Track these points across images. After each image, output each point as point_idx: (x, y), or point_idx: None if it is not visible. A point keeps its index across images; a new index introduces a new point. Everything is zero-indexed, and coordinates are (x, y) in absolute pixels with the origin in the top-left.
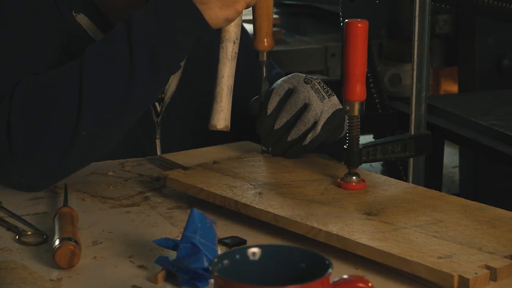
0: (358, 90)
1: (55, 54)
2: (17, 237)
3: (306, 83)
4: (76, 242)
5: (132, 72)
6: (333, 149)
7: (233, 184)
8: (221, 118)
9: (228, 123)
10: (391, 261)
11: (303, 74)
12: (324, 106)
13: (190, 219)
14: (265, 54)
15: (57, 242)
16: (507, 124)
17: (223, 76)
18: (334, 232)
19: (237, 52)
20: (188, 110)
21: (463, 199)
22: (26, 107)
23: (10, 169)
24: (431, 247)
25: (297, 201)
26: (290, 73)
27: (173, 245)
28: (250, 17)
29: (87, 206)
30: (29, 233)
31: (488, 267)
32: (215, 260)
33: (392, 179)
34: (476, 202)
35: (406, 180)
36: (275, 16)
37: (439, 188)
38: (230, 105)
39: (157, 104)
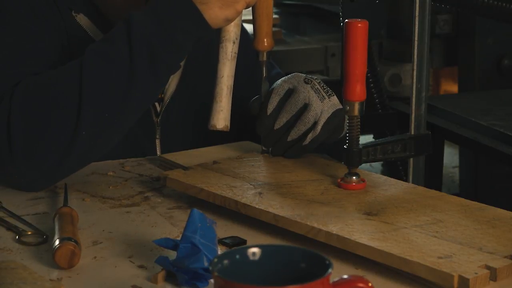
0: (358, 90)
1: (55, 54)
2: (17, 237)
3: (306, 83)
4: (76, 242)
5: (132, 72)
6: (333, 149)
7: (233, 184)
8: (221, 118)
9: (228, 123)
10: (391, 261)
11: (303, 74)
12: (324, 106)
13: (190, 219)
14: (265, 54)
15: (57, 242)
16: (507, 124)
17: (222, 76)
18: (334, 232)
19: (236, 52)
20: (188, 110)
21: (463, 199)
22: (26, 107)
23: (10, 169)
24: (431, 247)
25: (297, 201)
26: (290, 73)
27: (173, 245)
28: (250, 17)
29: (87, 206)
30: (29, 233)
31: (488, 267)
32: (215, 260)
33: (392, 179)
34: (476, 202)
35: (406, 180)
36: (275, 16)
37: (439, 188)
38: (230, 105)
39: (157, 104)
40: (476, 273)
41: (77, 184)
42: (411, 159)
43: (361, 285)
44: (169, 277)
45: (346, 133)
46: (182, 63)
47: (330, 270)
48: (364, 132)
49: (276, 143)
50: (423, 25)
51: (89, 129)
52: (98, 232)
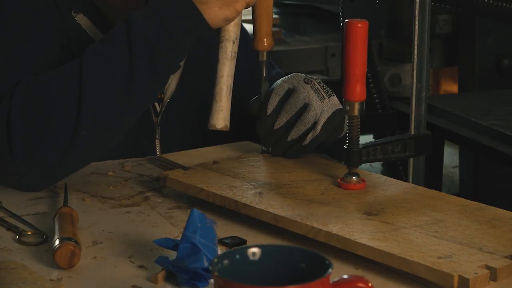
0: (358, 90)
1: (55, 54)
2: (17, 237)
3: (306, 83)
4: (76, 242)
5: (132, 72)
6: (333, 149)
7: (233, 184)
8: (221, 118)
9: (228, 122)
10: (391, 261)
11: (303, 74)
12: (324, 106)
13: (190, 219)
14: (265, 54)
15: (57, 242)
16: (507, 124)
17: (222, 76)
18: (334, 232)
19: (236, 52)
20: (188, 110)
21: (463, 199)
22: (26, 107)
23: (10, 169)
24: (431, 247)
25: (297, 201)
26: (290, 73)
27: (173, 245)
28: (250, 17)
29: (87, 206)
30: (29, 233)
31: (488, 267)
32: (215, 260)
33: (392, 179)
34: (476, 202)
35: (406, 180)
36: (275, 16)
37: (439, 188)
38: (230, 104)
39: (156, 104)
40: (476, 273)
41: (77, 184)
42: (411, 159)
43: (361, 285)
44: (169, 277)
45: (346, 133)
46: (181, 63)
47: (330, 270)
48: (364, 132)
49: (276, 143)
50: (423, 25)
51: (89, 129)
52: (98, 232)
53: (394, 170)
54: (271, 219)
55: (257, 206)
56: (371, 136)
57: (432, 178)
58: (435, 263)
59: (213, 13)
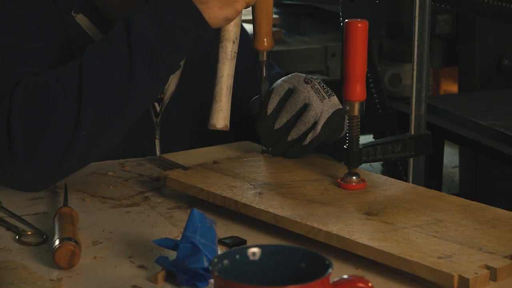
0: (358, 90)
1: (55, 54)
2: (17, 237)
3: (306, 83)
4: (76, 242)
5: (131, 72)
6: (333, 149)
7: (233, 184)
8: (221, 118)
9: (228, 122)
10: (391, 261)
11: (303, 74)
12: (324, 106)
13: (190, 219)
14: (265, 54)
15: (57, 242)
16: (507, 124)
17: (222, 76)
18: (334, 232)
19: (236, 52)
20: (188, 110)
21: (463, 199)
22: (26, 107)
23: (10, 169)
24: (431, 247)
25: (297, 201)
26: (290, 73)
27: (173, 245)
28: (250, 17)
29: (87, 206)
30: (29, 233)
31: (488, 267)
32: (215, 260)
33: (392, 179)
34: (476, 202)
35: (406, 180)
36: (275, 16)
37: (439, 188)
38: (230, 104)
39: (156, 104)
40: (476, 273)
41: (77, 184)
42: (411, 159)
43: (361, 285)
44: (169, 277)
45: (346, 133)
46: (181, 63)
47: (330, 270)
48: (364, 132)
49: (276, 143)
50: (423, 25)
51: (89, 129)
52: (98, 232)
53: (394, 170)
54: (271, 219)
55: (257, 206)
56: (371, 136)
57: (432, 178)
58: (435, 263)
59: (213, 13)
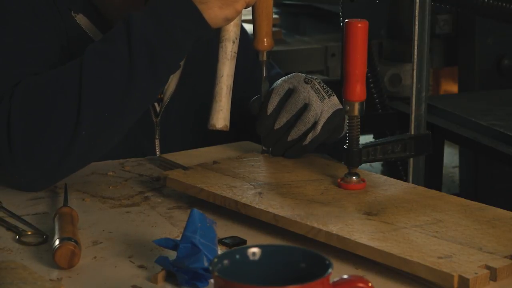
0: (358, 90)
1: (55, 54)
2: (17, 237)
3: (306, 83)
4: (76, 242)
5: (131, 72)
6: (333, 149)
7: (233, 184)
8: (220, 118)
9: (227, 122)
10: (391, 261)
11: (303, 74)
12: (324, 106)
13: (190, 219)
14: (265, 54)
15: (57, 242)
16: (507, 124)
17: (222, 76)
18: (334, 232)
19: (236, 52)
20: (188, 110)
21: (463, 199)
22: (26, 107)
23: (10, 169)
24: (431, 247)
25: (297, 201)
26: (290, 73)
27: (173, 245)
28: (250, 17)
29: (87, 206)
30: (29, 233)
31: (488, 267)
32: (215, 260)
33: (392, 179)
34: (476, 202)
35: (406, 180)
36: (275, 16)
37: (439, 188)
38: (229, 104)
39: (156, 104)
40: (476, 273)
41: (77, 184)
42: (411, 159)
43: (361, 285)
44: (169, 277)
45: (346, 133)
46: (181, 63)
47: (330, 270)
48: (364, 132)
49: (276, 143)
50: (423, 25)
51: (89, 129)
52: (98, 232)
53: (394, 170)
54: (271, 219)
55: (257, 206)
56: (371, 136)
57: (432, 178)
58: (435, 263)
59: (213, 13)
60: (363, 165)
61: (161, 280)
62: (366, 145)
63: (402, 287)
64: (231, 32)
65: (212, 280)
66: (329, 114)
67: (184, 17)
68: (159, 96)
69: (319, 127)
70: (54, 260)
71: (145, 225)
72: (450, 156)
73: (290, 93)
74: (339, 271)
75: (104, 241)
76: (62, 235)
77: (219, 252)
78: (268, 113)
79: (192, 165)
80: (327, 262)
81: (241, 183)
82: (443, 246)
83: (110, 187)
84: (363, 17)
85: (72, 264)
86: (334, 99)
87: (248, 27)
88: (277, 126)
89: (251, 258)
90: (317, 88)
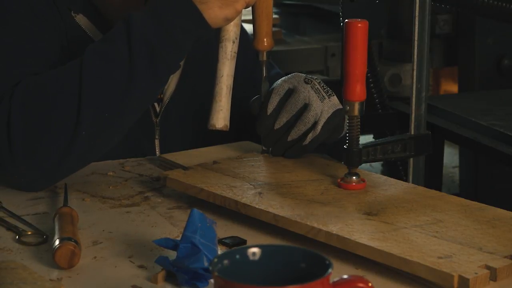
0: (358, 90)
1: (55, 54)
2: (17, 237)
3: (306, 83)
4: (76, 242)
5: (131, 72)
6: (333, 149)
7: (233, 184)
8: (220, 118)
9: (227, 122)
10: (391, 261)
11: (303, 74)
12: (324, 106)
13: (190, 219)
14: (265, 54)
15: (57, 242)
16: (507, 124)
17: (222, 76)
18: (334, 232)
19: (236, 52)
20: (188, 110)
21: (463, 199)
22: (26, 107)
23: (10, 169)
24: (431, 247)
25: (297, 201)
26: (290, 73)
27: (173, 245)
28: (250, 17)
29: (87, 206)
30: (29, 233)
31: (488, 267)
32: (215, 260)
33: (392, 179)
34: (476, 202)
35: (406, 180)
36: (275, 16)
37: (439, 188)
38: (230, 104)
39: (156, 104)
40: (476, 273)
41: (77, 184)
42: (411, 159)
43: (361, 285)
44: (169, 277)
45: (346, 133)
46: (181, 63)
47: (330, 270)
48: (364, 132)
49: (276, 143)
50: (423, 25)
51: (89, 129)
52: (98, 232)
53: (394, 170)
54: (271, 219)
55: (257, 206)
56: (371, 136)
57: (432, 178)
58: (435, 263)
59: (213, 13)
60: (363, 165)
61: (161, 280)
62: (366, 145)
63: (402, 287)
64: (231, 32)
65: (212, 280)
66: (329, 114)
67: (184, 17)
68: (159, 96)
69: (319, 127)
70: (54, 260)
71: (145, 225)
72: (450, 156)
73: (290, 93)
74: (339, 271)
75: (104, 241)
76: (62, 235)
77: (219, 252)
78: (268, 113)
79: (192, 165)
80: (327, 262)
81: (241, 183)
82: (443, 246)
83: (110, 187)
84: (363, 17)
85: (72, 264)
86: (334, 99)
87: (248, 27)
88: (277, 126)
89: (251, 258)
90: (317, 88)
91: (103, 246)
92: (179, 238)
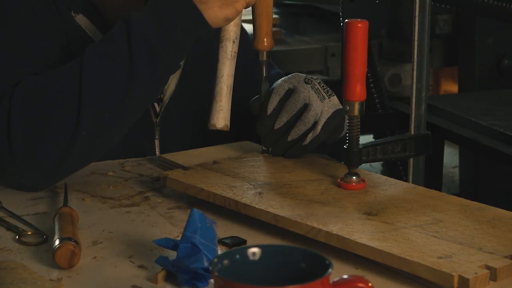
0: (358, 90)
1: (55, 54)
2: (17, 237)
3: (306, 83)
4: (76, 242)
5: (131, 71)
6: (333, 149)
7: (233, 184)
8: (221, 118)
9: (228, 122)
10: (391, 261)
11: (303, 74)
12: (324, 106)
13: (190, 219)
14: (265, 53)
15: (57, 242)
16: (507, 124)
17: (222, 76)
18: (334, 232)
19: (236, 52)
20: (188, 110)
21: (463, 199)
22: (26, 107)
23: (10, 169)
24: (431, 247)
25: (297, 201)
26: (290, 73)
27: (173, 245)
28: (250, 17)
29: (87, 206)
30: (29, 233)
31: (488, 267)
32: (215, 260)
33: (392, 179)
34: (476, 202)
35: (406, 180)
36: (275, 16)
37: (439, 188)
38: (230, 104)
39: (156, 104)
40: (476, 273)
41: (77, 184)
42: (411, 159)
43: (361, 285)
44: (169, 277)
45: (346, 133)
46: (181, 63)
47: (330, 270)
48: (364, 132)
49: (276, 143)
50: (423, 25)
51: (89, 129)
52: (98, 232)
53: (394, 170)
54: (271, 219)
55: (257, 206)
56: (371, 136)
57: (432, 178)
58: (435, 263)
59: (213, 13)
60: (363, 165)
61: (161, 280)
62: (366, 145)
63: (402, 287)
64: (231, 32)
65: (212, 280)
66: (329, 114)
67: (184, 17)
68: (159, 96)
69: (319, 127)
70: (54, 260)
71: (145, 225)
72: (450, 156)
73: (290, 93)
74: (339, 271)
75: (104, 241)
76: (62, 235)
77: (219, 252)
78: (268, 113)
79: (192, 165)
80: (327, 262)
81: (241, 183)
82: (443, 246)
83: (110, 187)
84: (363, 17)
85: (72, 264)
86: (334, 99)
87: (248, 27)
88: (277, 126)
89: (251, 258)
90: (317, 88)
91: (103, 246)
92: (179, 238)
